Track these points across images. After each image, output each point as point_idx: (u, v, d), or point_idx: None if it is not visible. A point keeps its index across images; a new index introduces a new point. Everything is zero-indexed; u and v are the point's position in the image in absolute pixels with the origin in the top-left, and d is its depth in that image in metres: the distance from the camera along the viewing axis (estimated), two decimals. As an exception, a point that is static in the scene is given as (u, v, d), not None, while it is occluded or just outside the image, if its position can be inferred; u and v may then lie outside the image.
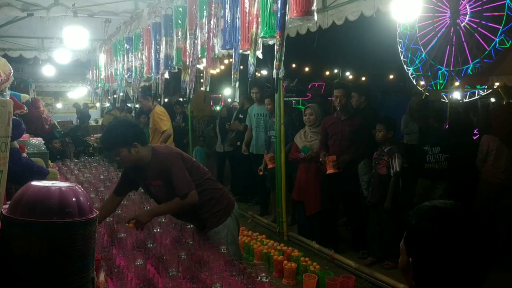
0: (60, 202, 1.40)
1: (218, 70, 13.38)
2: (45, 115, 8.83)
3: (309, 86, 21.67)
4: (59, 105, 16.22)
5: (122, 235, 3.10)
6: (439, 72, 15.64)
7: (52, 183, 1.46)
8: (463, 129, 7.44)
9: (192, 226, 3.35)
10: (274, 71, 2.30)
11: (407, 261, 1.32)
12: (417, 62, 16.06)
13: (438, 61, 15.46)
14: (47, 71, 8.42)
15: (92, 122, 14.99)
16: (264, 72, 19.07)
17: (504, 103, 9.17)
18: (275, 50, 2.24)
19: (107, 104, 13.11)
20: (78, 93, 12.88)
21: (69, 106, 15.94)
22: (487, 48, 14.27)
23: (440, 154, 5.11)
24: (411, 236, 1.32)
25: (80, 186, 1.53)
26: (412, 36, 15.70)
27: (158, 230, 3.23)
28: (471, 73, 14.26)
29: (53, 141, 8.30)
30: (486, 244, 1.23)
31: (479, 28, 14.39)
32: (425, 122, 6.17)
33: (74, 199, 1.43)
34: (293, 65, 24.59)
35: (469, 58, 14.73)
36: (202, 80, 4.01)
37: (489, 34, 14.22)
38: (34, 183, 1.44)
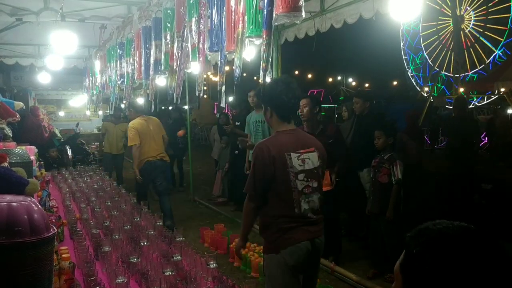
0: (8, 220, 1.24)
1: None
2: (45, 123, 8.74)
3: None
4: (61, 113, 16.15)
5: (107, 249, 2.93)
6: (438, 76, 15.53)
7: (2, 198, 1.30)
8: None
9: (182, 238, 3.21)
10: (261, 73, 2.15)
11: None
12: (418, 62, 15.92)
13: (437, 64, 15.32)
14: (43, 78, 8.31)
15: (94, 130, 14.89)
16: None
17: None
18: (262, 50, 2.08)
19: (107, 111, 12.94)
20: (78, 101, 12.77)
21: (71, 114, 15.86)
22: (487, 60, 14.14)
23: None
24: (411, 266, 1.09)
25: (35, 202, 1.37)
26: (415, 34, 15.58)
27: (145, 243, 3.06)
28: (467, 81, 14.18)
29: (50, 149, 8.21)
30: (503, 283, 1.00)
31: (480, 38, 14.26)
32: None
33: (25, 216, 1.28)
34: (296, 72, 24.51)
35: (468, 67, 14.59)
36: (205, 88, 3.84)
37: (490, 45, 14.09)
38: (-20, 198, 1.28)
